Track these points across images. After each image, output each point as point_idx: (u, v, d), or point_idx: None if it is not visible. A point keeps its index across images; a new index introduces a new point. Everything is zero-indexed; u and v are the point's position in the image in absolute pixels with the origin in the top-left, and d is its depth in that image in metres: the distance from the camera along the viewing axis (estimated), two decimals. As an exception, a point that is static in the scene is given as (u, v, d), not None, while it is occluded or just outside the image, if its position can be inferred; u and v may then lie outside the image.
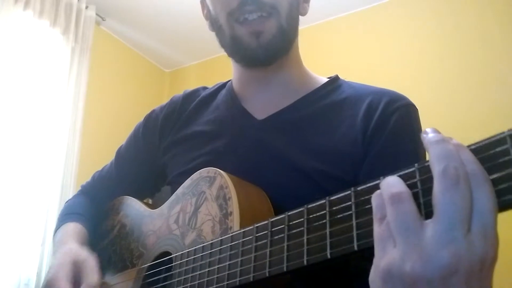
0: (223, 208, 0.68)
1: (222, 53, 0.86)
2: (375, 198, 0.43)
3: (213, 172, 0.74)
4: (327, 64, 2.86)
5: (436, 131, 0.42)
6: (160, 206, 0.87)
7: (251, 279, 0.56)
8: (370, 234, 0.43)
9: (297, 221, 0.53)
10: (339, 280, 0.69)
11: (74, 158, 2.69)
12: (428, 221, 0.39)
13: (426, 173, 0.41)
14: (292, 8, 0.81)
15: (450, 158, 0.39)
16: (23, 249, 2.38)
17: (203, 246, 0.67)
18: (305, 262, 0.50)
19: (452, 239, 0.37)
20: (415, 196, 0.41)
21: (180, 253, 0.72)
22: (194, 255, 0.68)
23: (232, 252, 0.60)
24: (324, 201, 0.50)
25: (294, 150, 0.77)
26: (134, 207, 0.96)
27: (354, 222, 0.46)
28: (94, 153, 2.71)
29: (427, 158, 0.41)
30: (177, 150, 0.91)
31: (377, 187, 0.44)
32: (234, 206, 0.66)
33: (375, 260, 0.42)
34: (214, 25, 0.84)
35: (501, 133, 0.38)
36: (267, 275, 0.54)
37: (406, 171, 0.43)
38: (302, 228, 0.52)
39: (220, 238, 0.64)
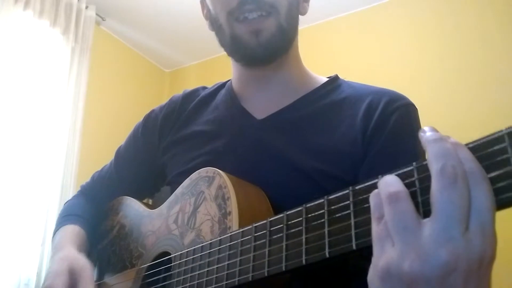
0: (222, 208, 0.68)
1: (222, 53, 0.86)
2: (373, 197, 0.43)
3: (212, 172, 0.74)
4: (327, 64, 2.86)
5: (434, 129, 0.42)
6: (159, 206, 0.87)
7: (250, 279, 0.56)
8: (368, 233, 0.43)
9: (295, 220, 0.53)
10: (338, 280, 0.69)
11: (74, 158, 2.69)
12: (426, 220, 0.39)
13: (424, 171, 0.41)
14: (292, 8, 0.81)
15: (448, 157, 0.39)
16: (23, 249, 2.38)
17: (202, 246, 0.67)
18: (303, 261, 0.50)
19: (450, 238, 0.37)
20: (413, 195, 0.41)
21: (179, 253, 0.72)
22: (193, 255, 0.68)
23: (231, 252, 0.60)
24: (322, 200, 0.50)
25: (294, 150, 0.77)
26: (133, 208, 0.96)
27: (352, 221, 0.46)
28: (94, 153, 2.71)
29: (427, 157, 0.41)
30: (176, 150, 0.91)
31: (375, 186, 0.44)
32: (233, 206, 0.66)
33: (373, 259, 0.42)
34: (214, 24, 0.84)
35: (499, 132, 0.38)
36: (266, 274, 0.54)
37: (404, 170, 0.43)
38: (301, 228, 0.52)
39: (219, 238, 0.64)
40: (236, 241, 0.60)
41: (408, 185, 0.42)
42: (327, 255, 0.47)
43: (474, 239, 0.37)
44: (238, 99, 0.89)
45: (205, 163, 0.80)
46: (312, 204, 0.52)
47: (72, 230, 0.96)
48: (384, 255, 0.40)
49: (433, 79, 2.68)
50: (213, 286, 0.61)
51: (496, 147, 0.38)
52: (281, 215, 0.55)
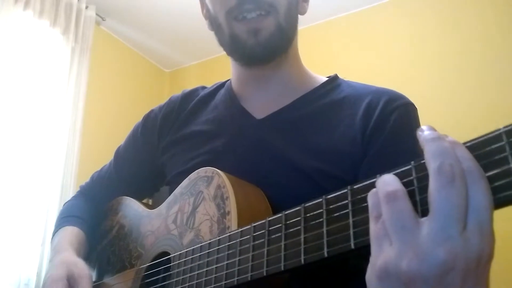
0: (220, 208, 0.68)
1: (222, 53, 0.86)
2: (371, 196, 0.43)
3: (211, 171, 0.74)
4: (327, 64, 2.86)
5: (432, 128, 0.42)
6: (159, 206, 0.87)
7: (249, 279, 0.56)
8: (367, 232, 0.43)
9: (294, 220, 0.53)
10: (337, 279, 0.69)
11: (74, 158, 2.69)
12: (424, 219, 0.39)
13: (423, 170, 0.41)
14: (291, 7, 0.81)
15: (445, 155, 0.39)
16: (23, 249, 2.38)
17: (201, 246, 0.67)
18: (302, 261, 0.50)
19: (448, 237, 0.37)
20: (411, 194, 0.41)
21: (179, 253, 0.72)
22: (192, 255, 0.68)
23: (230, 251, 0.60)
24: (320, 199, 0.50)
25: (293, 150, 0.77)
26: (132, 208, 0.96)
27: (351, 220, 0.46)
28: (94, 153, 2.71)
29: None
30: (176, 149, 0.91)
31: (373, 185, 0.44)
32: (231, 205, 0.66)
33: (371, 259, 0.42)
34: (213, 24, 0.85)
35: (497, 130, 0.37)
36: (265, 274, 0.54)
37: (403, 169, 0.43)
38: (299, 227, 0.52)
39: (218, 238, 0.64)
40: (235, 241, 0.60)
41: (406, 184, 0.42)
42: (326, 255, 0.47)
43: (472, 238, 0.37)
44: (237, 98, 0.89)
45: (205, 162, 0.80)
46: (310, 203, 0.52)
47: (71, 232, 0.96)
48: (382, 254, 0.40)
49: (433, 79, 2.68)
50: (212, 286, 0.61)
51: (494, 146, 0.38)
52: (280, 215, 0.55)
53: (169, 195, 0.84)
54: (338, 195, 0.49)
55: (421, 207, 0.40)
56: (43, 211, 2.49)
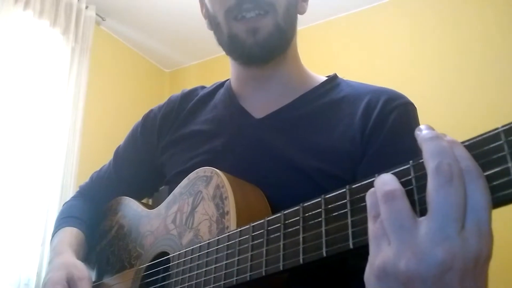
0: (219, 208, 0.68)
1: (222, 53, 0.86)
2: (369, 196, 0.43)
3: (210, 171, 0.74)
4: (327, 64, 2.86)
5: (430, 128, 0.41)
6: (158, 206, 0.87)
7: (248, 279, 0.56)
8: (365, 232, 0.43)
9: (293, 219, 0.53)
10: (335, 279, 0.69)
11: (74, 158, 2.69)
12: (422, 218, 0.39)
13: (421, 169, 0.41)
14: (290, 7, 0.81)
15: (443, 155, 0.38)
16: (23, 249, 2.38)
17: (200, 245, 0.67)
18: (301, 260, 0.50)
19: (446, 237, 0.36)
20: (410, 193, 0.41)
21: (178, 253, 0.72)
22: (191, 255, 0.68)
23: (229, 251, 0.60)
24: (319, 199, 0.50)
25: (293, 149, 0.77)
26: (131, 208, 0.96)
27: (349, 220, 0.46)
28: (94, 153, 2.71)
29: None
30: (175, 149, 0.91)
31: (372, 184, 0.44)
32: (230, 205, 0.66)
33: (370, 258, 0.42)
34: (212, 23, 0.85)
35: (495, 129, 0.37)
36: (264, 274, 0.54)
37: (401, 168, 0.43)
38: (298, 227, 0.51)
39: (217, 238, 0.64)
40: (234, 241, 0.60)
41: (404, 184, 0.41)
42: (324, 254, 0.47)
43: (470, 238, 0.37)
44: (236, 98, 0.89)
45: (204, 162, 0.80)
46: (309, 203, 0.52)
47: (71, 233, 0.97)
48: (380, 254, 0.40)
49: (433, 79, 2.68)
50: (211, 286, 0.61)
51: (492, 145, 0.38)
52: (279, 214, 0.55)
53: (169, 195, 0.84)
54: (336, 194, 0.49)
55: (419, 207, 0.40)
56: (43, 211, 2.49)
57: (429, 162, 0.39)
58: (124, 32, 3.40)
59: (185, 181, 0.79)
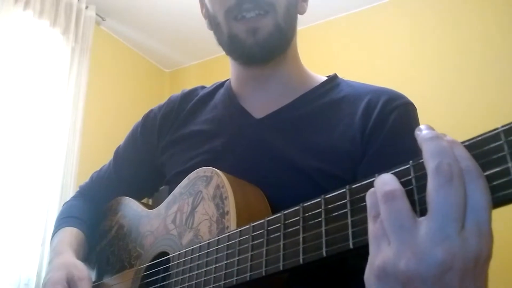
0: (219, 208, 0.68)
1: (222, 53, 0.86)
2: (369, 196, 0.43)
3: (210, 171, 0.73)
4: (327, 64, 2.86)
5: (430, 128, 0.41)
6: (158, 206, 0.87)
7: (248, 279, 0.56)
8: (365, 232, 0.43)
9: (293, 219, 0.53)
10: (335, 279, 0.69)
11: (74, 158, 2.69)
12: (422, 218, 0.39)
13: (421, 169, 0.41)
14: (290, 7, 0.81)
15: (443, 155, 0.38)
16: (23, 249, 2.38)
17: (200, 245, 0.67)
18: (301, 260, 0.50)
19: (446, 237, 0.36)
20: (410, 193, 0.41)
21: (178, 253, 0.72)
22: (191, 255, 0.68)
23: (229, 251, 0.60)
24: (319, 199, 0.50)
25: (293, 149, 0.77)
26: (131, 208, 0.96)
27: (349, 220, 0.46)
28: (94, 153, 2.71)
29: None
30: (175, 149, 0.91)
31: (372, 184, 0.44)
32: (230, 205, 0.66)
33: (369, 258, 0.42)
34: (212, 23, 0.85)
35: (495, 129, 0.37)
36: (264, 274, 0.54)
37: (401, 168, 0.43)
38: (298, 227, 0.51)
39: (217, 238, 0.63)
40: (234, 241, 0.60)
41: (404, 184, 0.41)
42: (324, 254, 0.47)
43: (470, 238, 0.37)
44: (236, 98, 0.89)
45: (204, 162, 0.80)
46: (309, 203, 0.52)
47: (71, 233, 0.97)
48: (380, 254, 0.40)
49: (433, 79, 2.68)
50: (211, 286, 0.61)
51: (492, 145, 0.37)
52: (279, 214, 0.55)
53: (168, 195, 0.84)
54: (336, 194, 0.49)
55: (419, 207, 0.40)
56: (43, 211, 2.49)
57: (429, 162, 0.39)
58: (124, 32, 3.40)
59: (185, 181, 0.79)
